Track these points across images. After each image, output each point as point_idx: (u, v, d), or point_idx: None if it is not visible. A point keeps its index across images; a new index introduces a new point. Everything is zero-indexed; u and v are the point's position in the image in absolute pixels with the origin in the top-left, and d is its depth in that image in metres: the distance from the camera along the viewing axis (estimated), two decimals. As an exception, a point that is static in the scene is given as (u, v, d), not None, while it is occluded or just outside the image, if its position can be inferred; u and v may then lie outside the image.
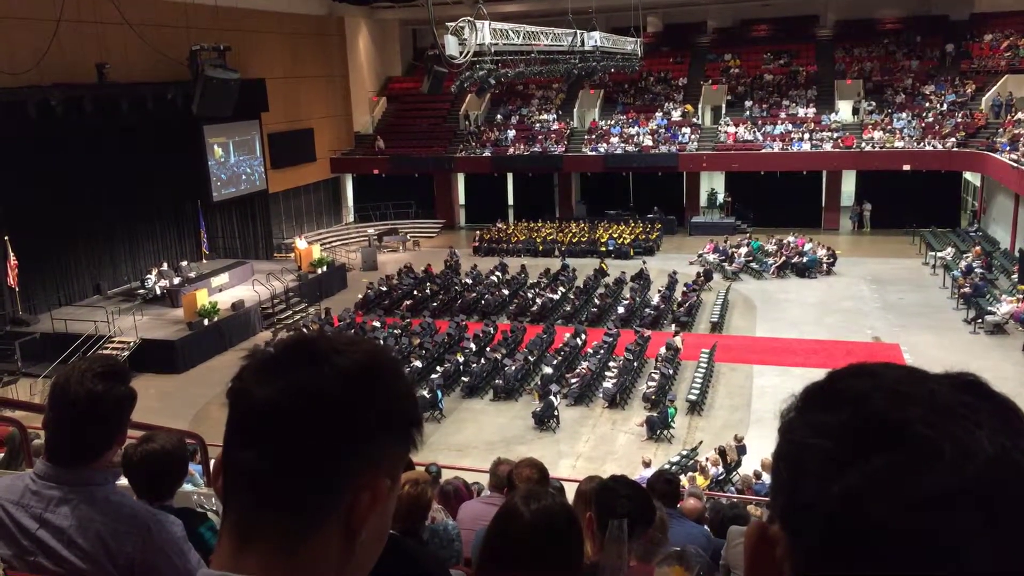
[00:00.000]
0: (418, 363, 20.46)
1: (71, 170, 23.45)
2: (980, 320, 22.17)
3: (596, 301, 25.58)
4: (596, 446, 17.02)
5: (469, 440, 17.36)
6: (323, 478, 0.87)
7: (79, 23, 23.59)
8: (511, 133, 37.63)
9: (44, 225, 23.04)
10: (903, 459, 0.62)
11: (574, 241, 32.92)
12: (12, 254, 21.58)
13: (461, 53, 18.14)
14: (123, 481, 2.86)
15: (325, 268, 28.58)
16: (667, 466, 14.39)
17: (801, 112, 35.42)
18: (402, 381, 0.95)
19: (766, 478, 13.09)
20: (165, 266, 26.38)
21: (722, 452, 14.94)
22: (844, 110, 35.87)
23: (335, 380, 0.88)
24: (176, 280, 25.45)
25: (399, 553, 2.57)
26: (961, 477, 0.60)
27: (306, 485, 0.86)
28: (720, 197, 37.04)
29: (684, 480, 12.24)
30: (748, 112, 36.05)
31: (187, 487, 4.11)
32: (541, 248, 32.62)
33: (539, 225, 34.99)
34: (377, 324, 23.53)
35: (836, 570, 0.63)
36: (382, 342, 21.69)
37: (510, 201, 39.47)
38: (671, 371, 19.48)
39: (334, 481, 0.87)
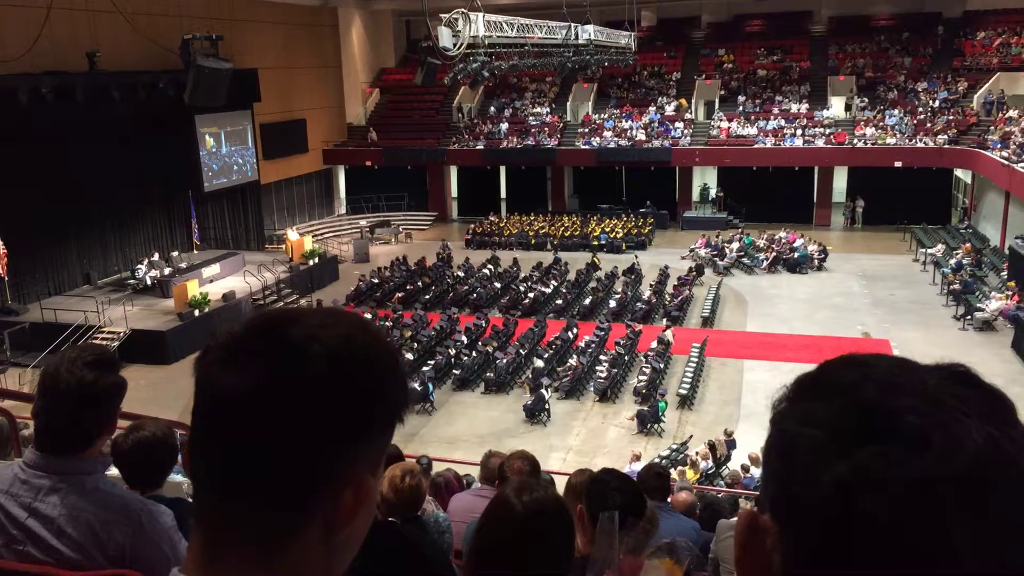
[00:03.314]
0: (409, 356, 20.43)
1: (62, 159, 23.30)
2: (969, 317, 22.28)
3: (588, 295, 25.62)
4: (587, 440, 17.05)
5: (460, 433, 17.37)
6: (299, 479, 0.78)
7: (70, 10, 23.43)
8: (504, 126, 37.56)
9: (34, 214, 22.91)
10: (892, 449, 0.62)
11: (566, 235, 32.92)
12: (1, 243, 21.45)
13: (455, 45, 18.11)
14: (113, 471, 2.85)
15: (317, 260, 28.51)
16: (657, 460, 14.43)
17: (794, 108, 35.48)
18: (387, 364, 0.85)
19: (755, 472, 13.15)
20: (156, 256, 26.27)
21: (712, 446, 14.98)
22: (837, 106, 35.97)
23: (311, 370, 0.79)
24: (167, 270, 25.34)
25: (399, 540, 2.58)
26: (950, 467, 0.61)
27: (280, 486, 0.77)
28: (712, 192, 37.09)
29: (674, 474, 12.29)
30: (741, 107, 36.10)
31: (178, 477, 4.11)
32: (533, 241, 32.61)
33: (531, 218, 34.97)
34: (368, 316, 23.51)
35: (826, 560, 0.64)
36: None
37: (503, 194, 39.44)
38: (662, 365, 19.53)
39: (312, 482, 0.78)
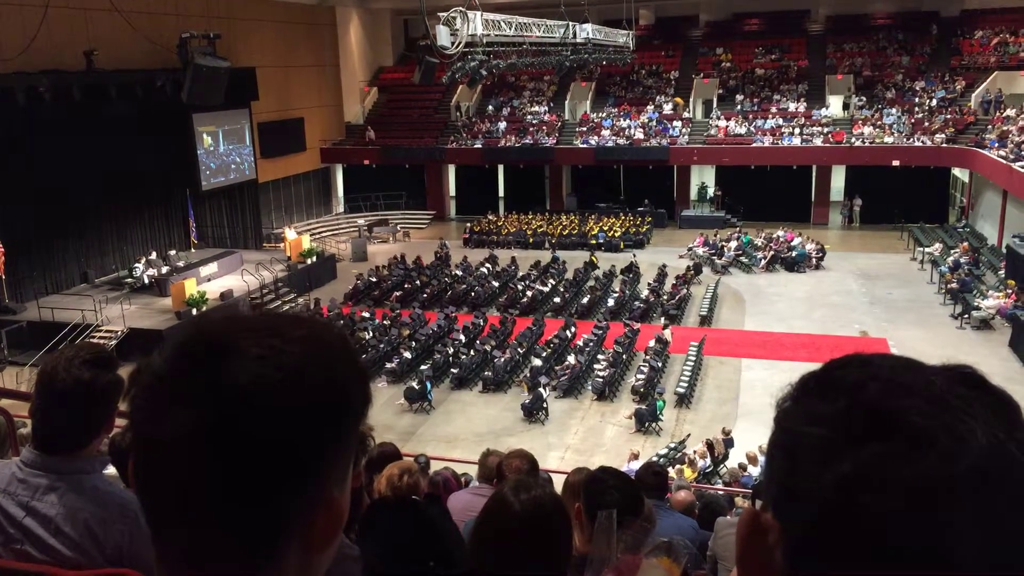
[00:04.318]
0: (408, 355, 20.45)
1: (59, 158, 23.26)
2: (967, 315, 22.31)
3: (586, 294, 25.62)
4: (585, 438, 17.06)
5: (458, 432, 17.37)
6: (265, 516, 0.72)
7: (67, 9, 23.39)
8: (502, 125, 37.55)
9: (31, 213, 22.90)
10: (896, 448, 0.62)
11: (564, 233, 32.92)
12: (-2, 241, 21.46)
13: (453, 43, 18.08)
14: (110, 470, 2.84)
15: (315, 258, 28.50)
16: (655, 459, 14.43)
17: (792, 107, 35.48)
18: (349, 375, 0.77)
19: (752, 470, 13.17)
20: (154, 255, 26.25)
21: (710, 445, 15.00)
22: (834, 105, 35.99)
23: (264, 402, 0.71)
24: (164, 269, 25.32)
25: (421, 519, 2.58)
26: (954, 467, 0.60)
27: (246, 524, 0.72)
28: (710, 191, 37.11)
29: (672, 473, 12.31)
30: (739, 106, 36.10)
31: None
32: (531, 240, 32.60)
33: (529, 217, 34.94)
34: (366, 315, 23.51)
35: (828, 558, 0.63)
36: (370, 334, 21.69)
37: (501, 193, 39.43)
38: (660, 364, 19.54)
39: (280, 513, 0.72)
